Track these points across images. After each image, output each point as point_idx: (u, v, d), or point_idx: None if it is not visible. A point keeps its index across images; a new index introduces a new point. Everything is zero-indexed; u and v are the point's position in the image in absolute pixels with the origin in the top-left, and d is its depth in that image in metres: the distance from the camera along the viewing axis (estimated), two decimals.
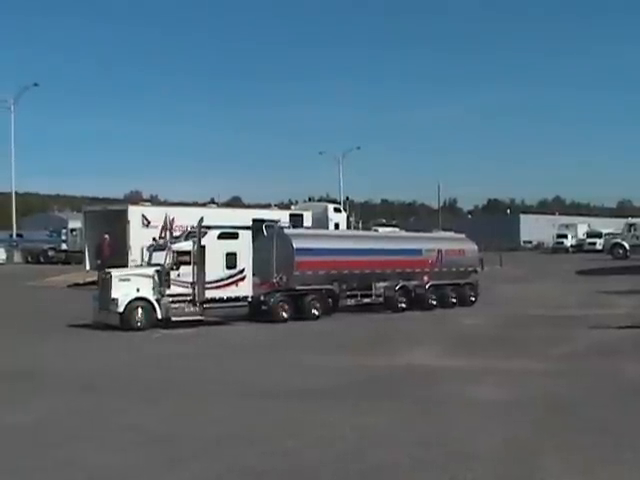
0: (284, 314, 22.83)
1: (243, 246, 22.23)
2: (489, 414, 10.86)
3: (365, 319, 23.74)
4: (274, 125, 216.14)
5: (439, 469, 8.21)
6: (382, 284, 25.60)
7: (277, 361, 15.90)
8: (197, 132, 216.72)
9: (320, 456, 8.74)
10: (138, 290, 20.67)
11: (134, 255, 30.92)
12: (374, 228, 45.88)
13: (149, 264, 22.15)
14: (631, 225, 55.48)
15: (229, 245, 21.98)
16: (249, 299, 22.32)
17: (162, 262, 21.10)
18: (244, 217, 30.98)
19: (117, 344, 18.55)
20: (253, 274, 22.39)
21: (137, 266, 25.37)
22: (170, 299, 20.83)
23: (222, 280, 21.64)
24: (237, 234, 22.38)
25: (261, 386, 13.03)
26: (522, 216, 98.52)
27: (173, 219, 29.48)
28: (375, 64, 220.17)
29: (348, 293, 24.92)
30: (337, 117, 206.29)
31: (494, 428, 9.96)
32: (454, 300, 27.19)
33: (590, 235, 71.10)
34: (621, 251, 53.85)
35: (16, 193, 67.40)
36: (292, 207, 51.50)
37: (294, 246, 23.75)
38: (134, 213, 34.72)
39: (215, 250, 21.54)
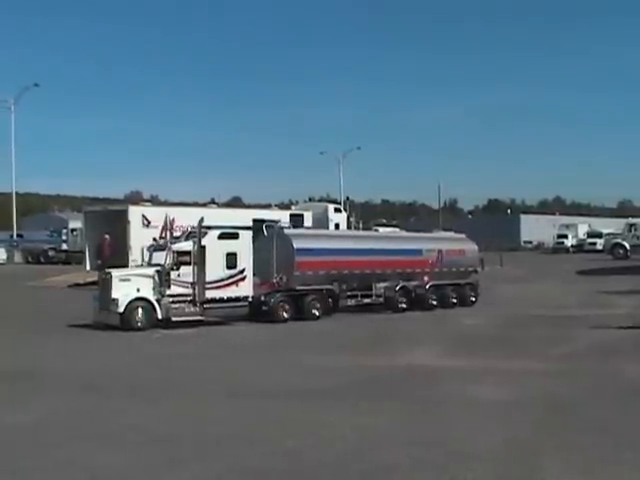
0: (284, 314, 22.84)
1: (243, 246, 22.23)
2: (489, 414, 10.86)
3: (365, 319, 23.74)
4: (274, 125, 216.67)
5: (439, 469, 8.21)
6: (382, 284, 25.61)
7: (277, 361, 15.90)
8: (197, 132, 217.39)
9: (320, 456, 8.74)
10: (138, 290, 20.69)
11: (134, 255, 30.88)
12: (374, 228, 45.88)
13: (149, 264, 22.17)
14: (631, 225, 55.43)
15: (229, 245, 21.98)
16: (249, 299, 22.31)
17: (162, 262, 21.11)
18: (244, 217, 30.94)
19: (117, 344, 18.56)
20: (253, 274, 22.39)
21: (137, 266, 25.34)
22: (170, 299, 20.84)
23: (222, 280, 21.64)
24: (237, 234, 22.39)
25: (261, 386, 13.03)
26: (522, 216, 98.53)
27: (173, 219, 29.59)
28: (375, 64, 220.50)
29: (348, 293, 24.91)
30: (337, 117, 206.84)
31: (494, 428, 9.97)
32: (454, 300, 27.19)
33: (590, 235, 71.05)
34: (621, 251, 53.84)
35: (16, 193, 67.38)
36: (292, 207, 51.46)
37: (294, 246, 23.75)
38: (134, 213, 34.75)
39: (215, 250, 21.54)
